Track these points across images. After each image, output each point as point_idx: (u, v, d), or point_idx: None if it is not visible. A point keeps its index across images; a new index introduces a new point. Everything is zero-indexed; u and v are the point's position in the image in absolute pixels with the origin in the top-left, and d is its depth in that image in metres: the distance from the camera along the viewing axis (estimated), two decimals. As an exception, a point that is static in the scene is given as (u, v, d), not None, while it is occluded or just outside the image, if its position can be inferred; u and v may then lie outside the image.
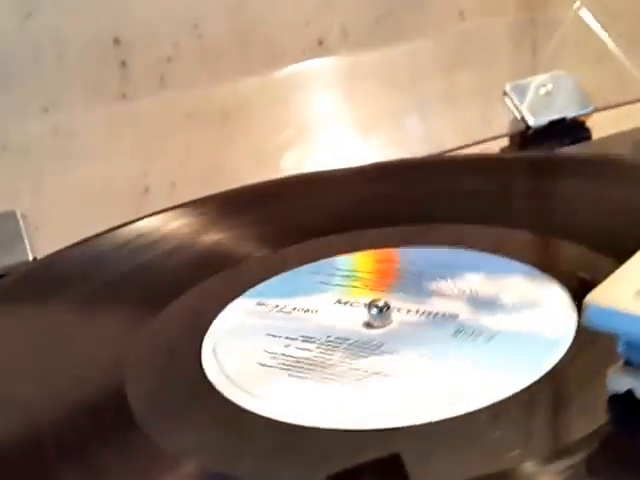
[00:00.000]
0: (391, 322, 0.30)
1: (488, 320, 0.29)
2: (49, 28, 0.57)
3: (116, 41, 0.60)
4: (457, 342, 0.28)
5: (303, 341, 0.29)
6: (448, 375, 0.26)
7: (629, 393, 0.23)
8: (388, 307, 0.30)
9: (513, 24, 0.66)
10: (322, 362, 0.28)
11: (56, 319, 0.32)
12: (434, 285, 0.32)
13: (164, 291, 0.33)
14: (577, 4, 0.61)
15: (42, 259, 0.39)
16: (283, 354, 0.28)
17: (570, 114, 0.56)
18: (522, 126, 0.55)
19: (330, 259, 0.34)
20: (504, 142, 0.56)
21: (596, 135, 0.57)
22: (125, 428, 0.25)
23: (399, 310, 0.30)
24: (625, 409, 0.23)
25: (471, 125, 0.61)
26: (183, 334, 0.30)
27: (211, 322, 0.30)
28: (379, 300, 0.30)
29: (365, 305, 0.30)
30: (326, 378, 0.27)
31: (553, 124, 0.56)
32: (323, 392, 0.26)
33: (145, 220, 0.39)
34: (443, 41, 0.64)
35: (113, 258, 0.36)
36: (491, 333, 0.28)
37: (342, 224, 0.37)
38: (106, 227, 0.50)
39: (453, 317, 0.30)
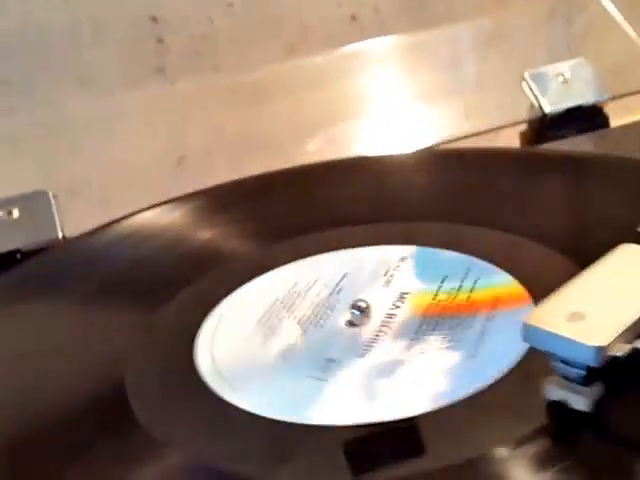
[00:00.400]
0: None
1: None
2: (89, 7, 0.61)
3: (153, 19, 0.64)
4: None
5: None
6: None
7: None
8: (368, 307, 0.34)
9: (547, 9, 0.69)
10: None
11: (56, 314, 0.36)
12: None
13: (161, 287, 0.37)
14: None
15: (39, 256, 0.42)
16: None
17: (587, 101, 0.58)
18: (540, 113, 0.58)
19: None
20: (522, 128, 0.59)
21: (614, 123, 0.59)
22: (123, 420, 0.29)
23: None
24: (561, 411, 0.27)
25: (503, 107, 0.64)
26: (178, 331, 0.34)
27: (201, 322, 0.34)
28: (361, 301, 0.34)
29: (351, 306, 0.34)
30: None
31: (570, 111, 0.58)
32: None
33: (140, 215, 0.43)
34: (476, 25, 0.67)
35: (109, 254, 0.40)
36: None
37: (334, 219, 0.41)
38: (143, 198, 0.55)
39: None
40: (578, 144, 0.57)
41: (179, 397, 0.31)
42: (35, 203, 0.47)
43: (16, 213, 0.47)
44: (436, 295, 0.35)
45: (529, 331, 0.27)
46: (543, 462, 0.26)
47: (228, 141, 0.64)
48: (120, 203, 0.57)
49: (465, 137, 0.59)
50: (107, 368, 0.32)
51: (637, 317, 0.26)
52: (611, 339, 0.25)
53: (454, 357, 0.31)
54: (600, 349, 0.25)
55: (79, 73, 0.61)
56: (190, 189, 0.60)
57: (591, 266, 0.29)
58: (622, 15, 0.65)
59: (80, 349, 0.33)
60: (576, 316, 0.27)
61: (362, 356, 0.32)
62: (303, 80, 0.65)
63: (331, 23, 0.67)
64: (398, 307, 0.34)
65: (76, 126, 0.61)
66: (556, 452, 0.27)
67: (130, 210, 0.51)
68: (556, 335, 0.26)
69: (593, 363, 0.25)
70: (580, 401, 0.27)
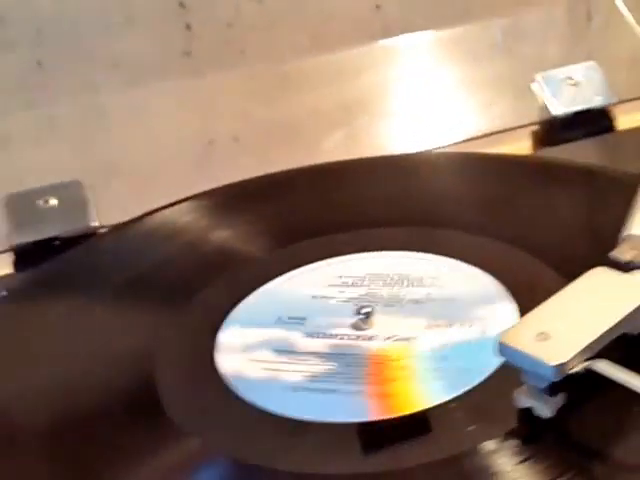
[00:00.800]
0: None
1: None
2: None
3: (181, 4, 0.68)
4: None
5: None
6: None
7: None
8: (372, 312, 0.40)
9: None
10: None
11: (87, 311, 0.42)
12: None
13: (186, 285, 0.42)
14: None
15: (68, 252, 0.48)
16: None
17: (595, 105, 0.63)
18: (549, 115, 0.63)
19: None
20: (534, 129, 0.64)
21: (623, 126, 0.64)
22: (152, 413, 0.35)
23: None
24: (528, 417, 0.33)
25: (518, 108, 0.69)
26: (202, 329, 0.40)
27: (224, 319, 0.40)
28: (366, 306, 0.40)
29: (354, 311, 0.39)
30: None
31: (579, 114, 0.63)
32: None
33: (161, 213, 0.48)
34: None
35: (132, 253, 0.46)
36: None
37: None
38: (173, 181, 0.61)
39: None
40: (585, 147, 0.62)
41: (201, 393, 0.37)
42: (71, 192, 0.52)
43: (54, 202, 0.52)
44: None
45: (502, 348, 0.32)
46: (511, 458, 0.32)
47: (254, 127, 0.69)
48: (151, 186, 0.63)
49: (477, 137, 0.63)
50: (137, 363, 0.37)
51: (595, 338, 0.32)
52: (568, 358, 0.31)
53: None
54: (558, 367, 0.31)
55: (109, 57, 0.66)
56: (218, 173, 0.65)
57: (563, 288, 0.35)
58: (636, 19, 0.69)
59: (110, 344, 0.39)
60: (542, 336, 0.32)
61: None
62: (329, 70, 0.70)
63: (355, 10, 0.72)
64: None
65: (106, 109, 0.66)
66: (521, 451, 0.32)
67: (160, 195, 0.57)
68: (523, 353, 0.31)
69: (552, 378, 0.31)
70: (543, 409, 0.32)
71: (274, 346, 0.38)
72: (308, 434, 0.34)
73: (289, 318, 0.40)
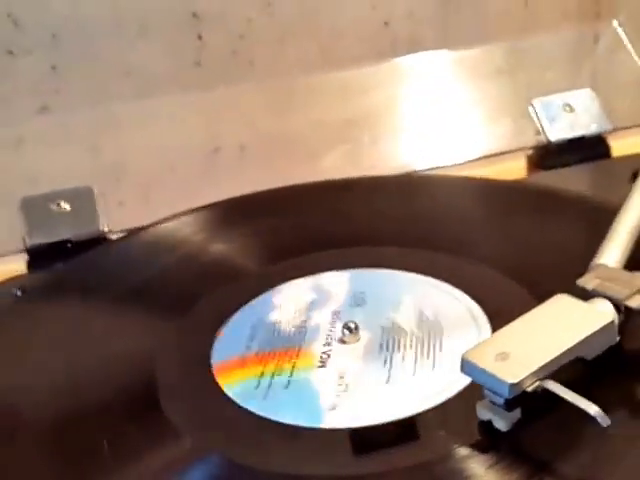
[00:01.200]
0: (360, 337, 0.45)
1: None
2: (133, 1, 0.70)
3: (194, 15, 0.73)
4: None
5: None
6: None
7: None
8: (357, 327, 0.45)
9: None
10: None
11: (93, 313, 0.47)
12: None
13: (184, 294, 0.48)
14: (615, 23, 0.73)
15: (77, 258, 0.53)
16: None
17: (590, 132, 0.68)
18: (545, 140, 0.68)
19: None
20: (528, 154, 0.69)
21: (617, 153, 0.69)
22: (151, 412, 0.40)
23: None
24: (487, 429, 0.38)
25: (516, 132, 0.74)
26: (200, 335, 0.45)
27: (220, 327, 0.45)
28: (350, 322, 0.45)
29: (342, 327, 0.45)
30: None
31: (574, 140, 0.68)
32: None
33: (162, 225, 0.54)
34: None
35: (132, 264, 0.51)
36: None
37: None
38: (180, 186, 0.66)
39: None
40: (578, 173, 0.67)
41: (197, 394, 0.42)
42: (83, 197, 0.58)
43: (66, 206, 0.58)
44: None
45: (465, 364, 0.37)
46: (472, 465, 0.37)
47: (260, 137, 0.74)
48: (159, 190, 0.68)
49: (473, 160, 0.69)
50: (137, 365, 0.43)
51: (549, 360, 0.37)
52: (523, 377, 0.36)
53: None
54: (513, 385, 0.36)
55: (122, 64, 0.71)
56: (223, 179, 0.71)
57: (527, 312, 0.40)
58: (637, 50, 0.74)
59: (111, 346, 0.44)
60: (502, 356, 0.37)
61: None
62: (336, 86, 0.75)
63: (364, 27, 0.77)
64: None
65: (117, 115, 0.71)
66: (479, 461, 0.37)
67: (167, 198, 0.62)
68: (483, 370, 0.37)
69: (507, 395, 0.36)
70: (500, 422, 0.37)
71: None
72: (299, 437, 0.39)
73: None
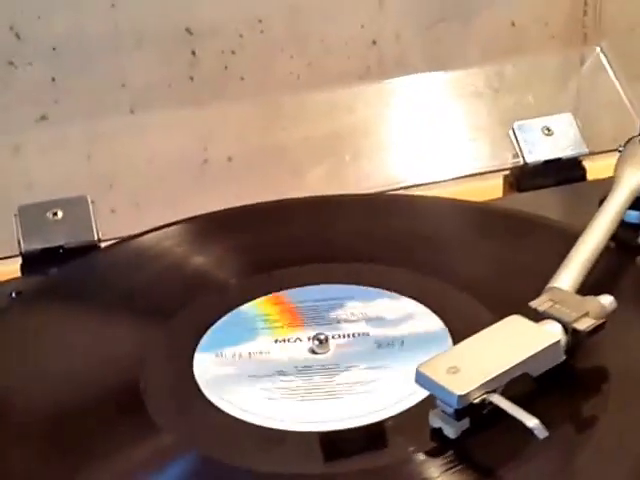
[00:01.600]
0: (329, 348, 0.49)
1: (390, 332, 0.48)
2: (130, 17, 0.74)
3: (188, 30, 0.77)
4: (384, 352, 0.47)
5: (280, 375, 0.47)
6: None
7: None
8: (327, 338, 0.49)
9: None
10: (313, 386, 0.46)
11: (83, 317, 0.52)
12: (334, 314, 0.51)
13: (169, 302, 0.52)
14: (598, 49, 0.78)
15: (67, 265, 0.58)
16: (278, 387, 0.47)
17: (567, 155, 0.73)
18: (521, 162, 0.73)
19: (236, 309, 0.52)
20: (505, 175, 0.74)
21: (592, 176, 0.73)
22: (136, 412, 0.45)
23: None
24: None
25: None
26: (182, 341, 0.50)
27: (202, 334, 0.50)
28: (320, 334, 0.49)
29: (309, 338, 0.49)
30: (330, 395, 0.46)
31: (551, 162, 0.73)
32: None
33: (146, 236, 0.59)
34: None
35: (117, 273, 0.56)
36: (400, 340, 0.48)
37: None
38: (170, 196, 0.70)
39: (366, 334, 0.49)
40: (553, 195, 0.71)
41: (179, 397, 0.47)
42: (76, 206, 0.63)
43: (60, 214, 0.62)
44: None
45: (418, 376, 0.42)
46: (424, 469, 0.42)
47: (248, 150, 0.78)
48: (149, 199, 0.73)
49: (451, 179, 0.73)
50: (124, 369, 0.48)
51: (495, 375, 0.41)
52: (470, 390, 0.41)
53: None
54: (460, 397, 0.40)
55: (118, 76, 0.75)
56: (211, 189, 0.75)
57: (481, 331, 0.45)
58: (618, 77, 0.79)
59: (99, 351, 0.49)
60: (454, 369, 0.42)
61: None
62: (323, 103, 0.79)
63: (352, 44, 0.81)
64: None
65: (112, 127, 0.75)
66: (432, 465, 0.42)
67: (158, 207, 0.67)
68: (435, 382, 0.41)
69: (455, 406, 0.41)
70: (450, 430, 0.42)
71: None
72: (279, 439, 0.44)
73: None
